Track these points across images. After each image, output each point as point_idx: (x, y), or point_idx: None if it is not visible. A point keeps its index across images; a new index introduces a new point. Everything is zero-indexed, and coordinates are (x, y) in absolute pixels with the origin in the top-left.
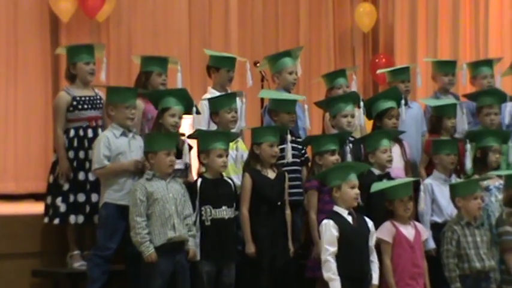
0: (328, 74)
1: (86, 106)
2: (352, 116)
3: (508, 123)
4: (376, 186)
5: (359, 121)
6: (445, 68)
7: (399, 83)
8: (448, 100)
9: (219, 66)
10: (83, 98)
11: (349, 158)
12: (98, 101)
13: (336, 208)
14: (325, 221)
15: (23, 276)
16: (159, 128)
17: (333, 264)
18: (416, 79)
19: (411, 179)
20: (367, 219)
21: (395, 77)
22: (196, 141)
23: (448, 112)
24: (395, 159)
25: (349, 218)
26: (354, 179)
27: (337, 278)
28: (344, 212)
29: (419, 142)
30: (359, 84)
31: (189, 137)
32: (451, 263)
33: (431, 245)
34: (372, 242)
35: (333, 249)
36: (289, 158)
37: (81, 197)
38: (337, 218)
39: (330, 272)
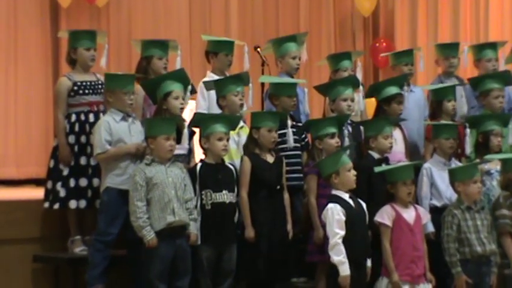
0: (333, 55)
1: (87, 91)
2: (352, 100)
3: None
4: (379, 168)
5: (359, 105)
6: (448, 51)
7: (403, 66)
8: (449, 83)
9: (217, 51)
10: (84, 83)
11: (346, 141)
12: (99, 86)
13: (336, 192)
14: (331, 205)
15: (23, 261)
16: (163, 114)
17: (343, 248)
18: (419, 63)
19: (414, 162)
20: (361, 201)
21: (399, 60)
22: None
23: (448, 95)
24: (399, 144)
25: (351, 201)
26: (348, 161)
27: (347, 261)
28: (345, 196)
29: (422, 127)
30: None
31: (190, 123)
32: (452, 248)
33: (430, 228)
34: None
35: (343, 232)
36: (291, 143)
37: (83, 182)
38: (342, 202)
39: (341, 256)
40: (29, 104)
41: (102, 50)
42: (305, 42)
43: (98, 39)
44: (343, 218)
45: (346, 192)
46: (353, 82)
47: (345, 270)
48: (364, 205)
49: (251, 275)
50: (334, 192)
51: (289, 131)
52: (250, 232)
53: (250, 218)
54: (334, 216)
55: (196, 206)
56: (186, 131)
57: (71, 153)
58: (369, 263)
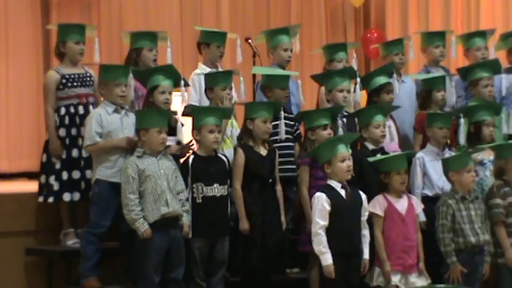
0: (329, 46)
1: (75, 83)
2: (348, 91)
3: (504, 96)
4: (372, 158)
5: (355, 97)
6: (435, 40)
7: (393, 56)
8: (438, 73)
9: (209, 42)
10: (72, 76)
11: (340, 132)
12: (88, 79)
13: (330, 182)
14: (317, 194)
15: (16, 254)
16: (150, 106)
17: (323, 238)
18: (409, 53)
19: (408, 152)
20: (361, 193)
21: (389, 50)
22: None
23: (438, 85)
24: (393, 134)
25: (342, 192)
26: (343, 151)
27: (328, 251)
28: (337, 186)
29: (413, 117)
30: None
31: (182, 114)
32: (447, 238)
33: (422, 217)
34: (365, 217)
35: (324, 222)
36: (282, 135)
37: (76, 174)
38: (330, 192)
39: (321, 246)
40: (21, 98)
41: (91, 43)
42: (298, 34)
43: (87, 32)
44: (327, 208)
45: (340, 182)
46: (350, 73)
47: (326, 259)
48: (363, 197)
49: (246, 266)
50: (328, 181)
51: (282, 122)
52: (244, 224)
53: (244, 210)
54: (317, 206)
55: (187, 199)
56: (180, 125)
57: (62, 146)
58: (366, 254)
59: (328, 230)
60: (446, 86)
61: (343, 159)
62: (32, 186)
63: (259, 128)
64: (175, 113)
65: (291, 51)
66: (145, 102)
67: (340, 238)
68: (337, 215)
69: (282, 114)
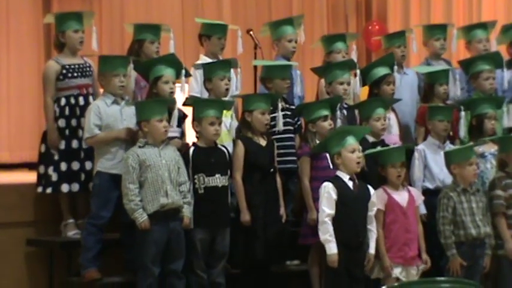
0: (327, 37)
1: (75, 74)
2: (348, 84)
3: (506, 89)
4: (369, 151)
5: (354, 89)
6: (436, 32)
7: (395, 48)
8: (440, 66)
9: (210, 34)
10: (72, 66)
11: (339, 124)
12: (88, 69)
13: (338, 173)
14: (325, 184)
15: (17, 245)
16: (152, 98)
17: (329, 227)
18: (412, 45)
19: (404, 145)
20: (369, 187)
21: (391, 42)
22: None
23: (440, 78)
24: (393, 127)
25: (350, 183)
26: (353, 142)
27: (333, 240)
28: (345, 177)
29: (414, 109)
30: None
31: (183, 104)
32: (447, 230)
33: (422, 210)
34: (372, 212)
35: (331, 211)
36: (280, 127)
37: (76, 165)
38: (338, 182)
39: (327, 234)
40: (22, 89)
41: (90, 33)
42: (302, 24)
43: (85, 21)
44: (334, 197)
45: (349, 174)
46: (350, 66)
47: (330, 248)
48: (371, 192)
49: (248, 257)
50: (337, 172)
51: (279, 114)
52: (245, 215)
53: (245, 201)
54: (324, 195)
55: (189, 190)
56: (176, 112)
57: (59, 136)
58: (371, 249)
59: (333, 220)
60: (450, 79)
61: (353, 149)
62: (32, 177)
63: (257, 120)
64: (174, 100)
65: (296, 42)
66: (149, 94)
67: (344, 228)
68: (343, 205)
69: (280, 105)
